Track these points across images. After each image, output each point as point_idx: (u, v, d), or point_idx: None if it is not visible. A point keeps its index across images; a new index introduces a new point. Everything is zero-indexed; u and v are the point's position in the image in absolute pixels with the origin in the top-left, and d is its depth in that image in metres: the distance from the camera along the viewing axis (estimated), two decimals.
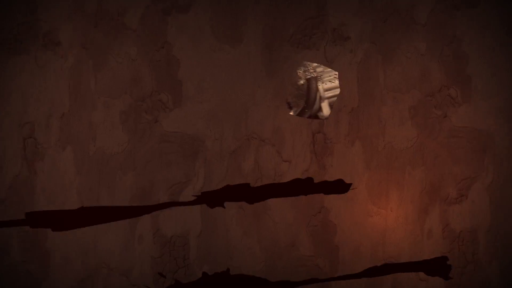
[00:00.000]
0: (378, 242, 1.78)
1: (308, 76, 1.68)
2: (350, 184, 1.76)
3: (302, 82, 1.71)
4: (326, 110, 1.71)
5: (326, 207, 1.75)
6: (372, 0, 1.75)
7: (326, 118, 1.71)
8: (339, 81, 1.72)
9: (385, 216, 1.76)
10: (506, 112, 1.77)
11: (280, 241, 1.77)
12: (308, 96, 1.69)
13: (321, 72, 1.70)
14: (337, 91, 1.72)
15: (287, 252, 1.77)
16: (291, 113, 1.70)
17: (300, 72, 1.69)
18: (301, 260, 1.77)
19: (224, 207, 1.72)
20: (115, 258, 1.77)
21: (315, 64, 1.69)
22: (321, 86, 1.71)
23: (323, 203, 1.75)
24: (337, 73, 1.72)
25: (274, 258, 1.77)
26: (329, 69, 1.71)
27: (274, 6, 1.72)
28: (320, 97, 1.71)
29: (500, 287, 1.78)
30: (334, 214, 1.76)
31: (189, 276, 1.77)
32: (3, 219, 1.75)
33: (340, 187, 1.76)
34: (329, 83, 1.69)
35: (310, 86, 1.70)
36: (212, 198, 1.72)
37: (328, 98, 1.71)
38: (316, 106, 1.71)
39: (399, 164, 1.76)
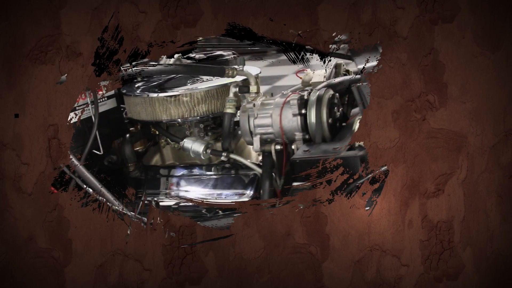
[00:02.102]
0: (364, 232, 1.92)
1: None
2: None
3: None
4: None
5: (318, 201, 1.92)
6: (359, 16, 1.90)
7: None
8: None
9: (370, 208, 1.92)
10: (478, 116, 1.86)
11: (277, 231, 1.94)
12: None
13: None
14: None
15: (283, 240, 1.94)
16: None
17: None
18: (296, 248, 1.94)
19: None
20: (130, 245, 1.95)
21: None
22: None
23: (315, 197, 1.92)
24: None
25: (271, 246, 1.94)
26: None
27: None
28: None
29: (473, 271, 1.90)
30: (325, 207, 1.93)
31: (195, 262, 1.95)
32: (30, 210, 1.94)
33: None
34: None
35: None
36: None
37: None
38: None
39: (382, 162, 1.89)
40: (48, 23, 1.89)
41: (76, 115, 2.08)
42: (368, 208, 1.90)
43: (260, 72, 2.36)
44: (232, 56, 2.52)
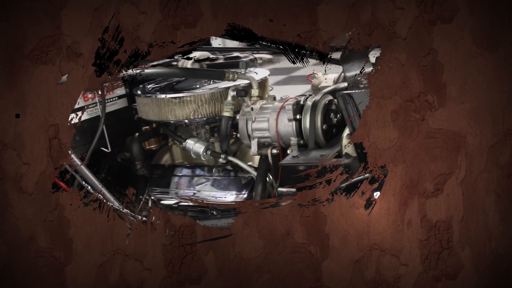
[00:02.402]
0: (363, 231, 1.93)
1: None
2: None
3: None
4: None
5: (318, 200, 1.93)
6: (358, 16, 1.91)
7: None
8: None
9: (369, 208, 1.93)
10: (477, 116, 1.87)
11: (276, 230, 1.95)
12: None
13: None
14: None
15: (283, 240, 1.95)
16: None
17: None
18: (295, 247, 1.95)
19: None
20: (130, 245, 1.96)
21: None
22: None
23: (314, 196, 1.93)
24: None
25: (271, 245, 1.95)
26: None
27: None
28: None
29: (472, 270, 1.91)
30: (325, 207, 1.93)
31: (195, 261, 1.96)
32: (31, 210, 1.95)
33: None
34: None
35: None
36: None
37: None
38: None
39: (382, 162, 1.89)
40: (48, 23, 1.90)
41: (77, 115, 2.09)
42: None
43: (268, 75, 2.37)
44: (250, 58, 2.54)
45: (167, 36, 1.91)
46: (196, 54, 2.50)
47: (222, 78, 2.19)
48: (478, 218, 1.91)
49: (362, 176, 1.88)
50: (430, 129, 1.89)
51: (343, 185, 1.87)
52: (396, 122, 1.89)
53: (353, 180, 1.88)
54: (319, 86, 2.41)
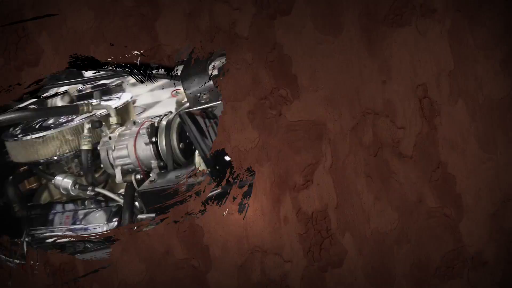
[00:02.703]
0: (242, 235, 1.92)
1: None
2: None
3: None
4: None
5: (191, 214, 1.92)
6: (197, 24, 1.88)
7: None
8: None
9: (243, 211, 1.91)
10: (332, 101, 1.86)
11: (156, 251, 1.94)
12: None
13: None
14: None
15: (164, 259, 1.94)
16: None
17: None
18: (177, 264, 1.93)
19: None
20: None
21: None
22: None
23: (187, 210, 1.92)
24: None
25: (153, 266, 1.94)
26: None
27: None
28: None
29: (356, 254, 1.89)
30: (199, 219, 1.92)
31: None
32: None
33: None
34: None
35: None
36: None
37: None
38: None
39: (247, 164, 1.89)
40: None
41: None
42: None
43: (131, 98, 2.37)
44: (117, 83, 2.54)
45: (12, 79, 1.90)
46: (64, 88, 2.49)
47: (76, 112, 2.19)
48: (353, 202, 1.90)
49: (214, 192, 1.88)
50: (289, 122, 1.88)
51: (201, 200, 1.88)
52: (254, 122, 1.88)
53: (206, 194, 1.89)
54: (182, 101, 2.40)
